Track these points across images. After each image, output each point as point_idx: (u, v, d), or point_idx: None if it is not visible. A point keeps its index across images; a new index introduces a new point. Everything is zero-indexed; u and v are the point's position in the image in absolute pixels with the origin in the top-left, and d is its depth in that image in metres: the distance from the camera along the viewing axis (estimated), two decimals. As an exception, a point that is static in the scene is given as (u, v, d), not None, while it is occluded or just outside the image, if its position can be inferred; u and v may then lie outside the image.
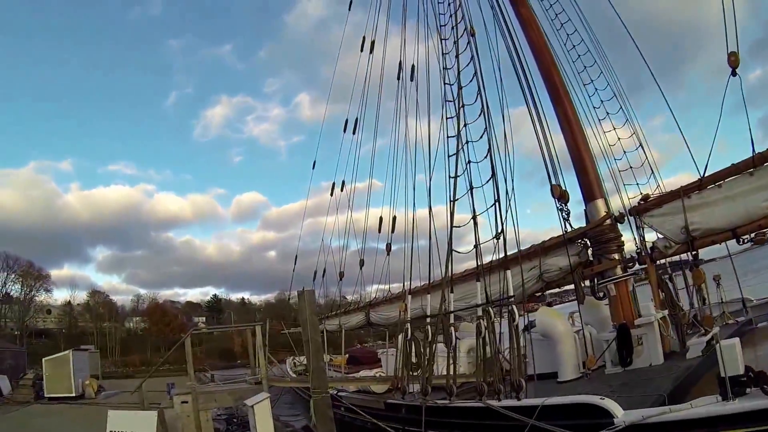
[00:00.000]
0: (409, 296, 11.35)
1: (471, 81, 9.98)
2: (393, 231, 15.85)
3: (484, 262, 9.10)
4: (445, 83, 10.68)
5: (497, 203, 8.88)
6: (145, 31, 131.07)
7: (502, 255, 8.84)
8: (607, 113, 13.54)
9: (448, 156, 9.86)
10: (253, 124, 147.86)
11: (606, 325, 10.59)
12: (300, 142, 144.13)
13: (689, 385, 7.47)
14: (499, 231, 8.81)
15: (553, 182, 11.13)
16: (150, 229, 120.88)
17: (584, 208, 11.04)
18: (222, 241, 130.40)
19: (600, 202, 10.78)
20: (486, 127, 9.49)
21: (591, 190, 10.96)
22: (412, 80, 14.49)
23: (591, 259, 10.51)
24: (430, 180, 11.46)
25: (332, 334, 19.28)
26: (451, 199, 9.52)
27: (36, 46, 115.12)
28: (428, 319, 9.72)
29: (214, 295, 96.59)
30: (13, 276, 66.83)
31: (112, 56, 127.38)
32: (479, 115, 9.63)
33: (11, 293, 67.42)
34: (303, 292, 10.90)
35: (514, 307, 8.01)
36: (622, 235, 10.46)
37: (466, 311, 10.75)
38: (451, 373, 8.63)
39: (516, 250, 9.92)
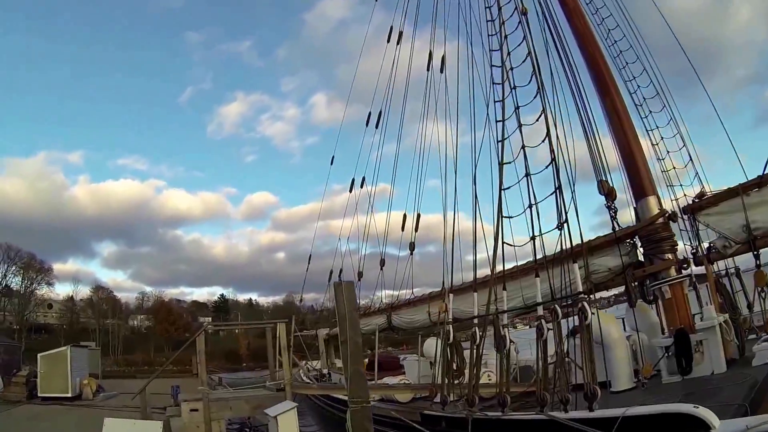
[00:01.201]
0: (451, 295, 10.38)
1: (524, 61, 9.27)
2: (417, 230, 14.96)
3: (513, 266, 8.80)
4: (492, 65, 9.99)
5: (558, 191, 8.15)
6: (164, 22, 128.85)
7: (539, 255, 8.25)
8: (650, 111, 12.83)
9: (498, 141, 9.25)
10: (267, 124, 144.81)
11: (655, 331, 9.83)
12: (314, 144, 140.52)
13: (764, 393, 6.68)
14: (563, 221, 8.02)
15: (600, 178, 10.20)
16: (158, 226, 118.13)
17: (634, 206, 10.32)
18: (231, 241, 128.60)
19: (652, 200, 10.04)
20: (543, 108, 8.74)
21: (642, 186, 10.21)
22: (441, 72, 13.72)
23: (641, 260, 9.77)
24: (475, 167, 10.19)
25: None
26: (501, 187, 8.80)
27: (50, 35, 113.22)
28: (475, 320, 9.00)
29: (222, 295, 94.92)
30: (13, 268, 65.60)
31: (129, 48, 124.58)
32: (535, 96, 8.90)
33: (11, 286, 66.06)
34: (341, 283, 9.28)
35: (586, 304, 7.21)
36: (674, 235, 9.79)
37: (521, 311, 10.11)
38: (499, 380, 8.03)
39: (553, 252, 8.77)
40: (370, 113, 18.50)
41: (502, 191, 8.82)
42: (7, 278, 66.05)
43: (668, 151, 12.59)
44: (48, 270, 69.58)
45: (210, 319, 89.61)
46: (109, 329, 69.57)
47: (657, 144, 12.79)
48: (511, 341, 8.37)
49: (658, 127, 12.80)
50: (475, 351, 8.75)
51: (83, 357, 25.77)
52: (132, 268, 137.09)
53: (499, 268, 8.77)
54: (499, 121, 9.32)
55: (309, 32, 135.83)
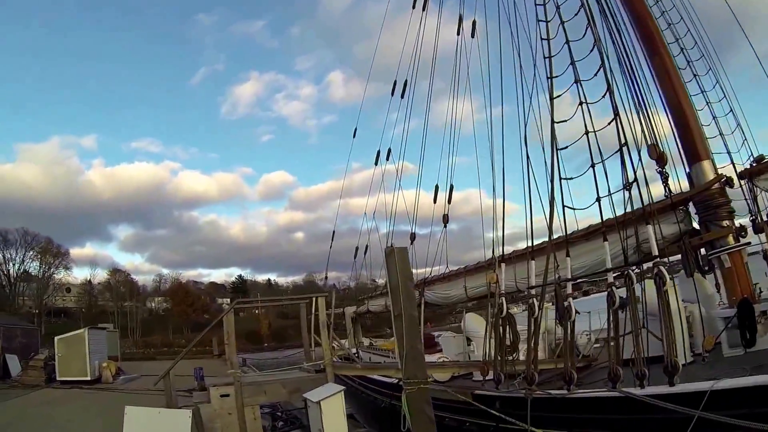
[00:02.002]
0: (503, 265, 9.61)
1: (576, 14, 8.88)
2: (450, 201, 14.08)
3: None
4: (538, 20, 9.47)
5: (625, 148, 7.71)
6: (175, 4, 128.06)
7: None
8: (694, 75, 12.02)
9: (549, 77, 8.85)
10: (283, 103, 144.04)
11: (712, 303, 9.51)
12: (331, 123, 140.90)
13: None
14: (631, 180, 7.69)
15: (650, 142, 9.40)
16: (174, 208, 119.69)
17: (687, 171, 9.74)
18: (248, 222, 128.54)
19: (707, 164, 9.52)
20: (602, 61, 8.31)
21: (695, 149, 9.67)
22: (473, 37, 13.33)
23: (696, 227, 9.25)
24: (526, 126, 9.59)
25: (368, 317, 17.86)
26: (555, 147, 8.43)
27: (60, 22, 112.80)
28: (533, 290, 8.54)
29: (240, 276, 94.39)
30: (31, 253, 65.44)
31: (140, 30, 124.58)
32: (592, 49, 8.47)
33: (30, 270, 65.97)
34: (393, 250, 8.38)
35: (662, 268, 6.88)
36: (731, 201, 9.22)
37: (592, 277, 9.77)
38: (565, 354, 7.59)
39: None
40: (395, 82, 17.53)
41: (557, 151, 8.42)
42: (25, 263, 66.04)
43: (714, 117, 11.80)
44: (65, 254, 69.49)
45: (228, 300, 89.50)
46: (127, 312, 69.29)
47: (702, 109, 11.79)
48: (576, 312, 7.80)
49: (704, 91, 12.04)
50: (533, 323, 8.21)
51: (101, 339, 24.88)
52: (149, 251, 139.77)
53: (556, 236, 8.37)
54: (550, 78, 8.87)
55: (324, 10, 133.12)
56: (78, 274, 74.67)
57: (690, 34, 12.28)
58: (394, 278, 8.10)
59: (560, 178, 8.38)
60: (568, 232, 8.57)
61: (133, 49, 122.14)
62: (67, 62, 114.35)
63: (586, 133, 8.22)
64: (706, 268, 9.20)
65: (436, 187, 14.76)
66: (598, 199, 7.96)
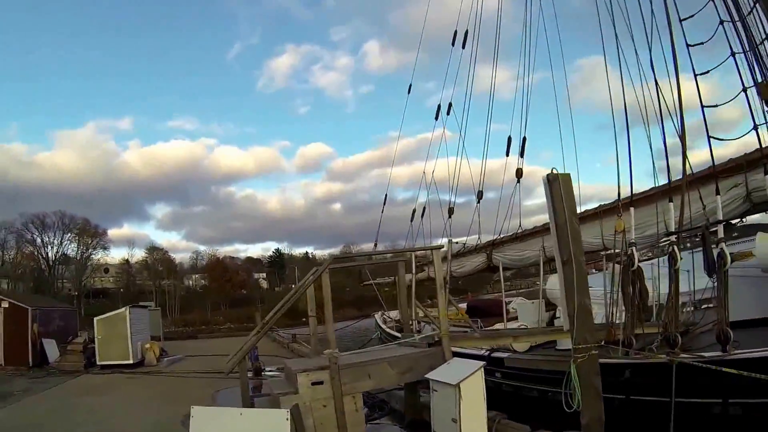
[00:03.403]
0: (632, 209, 8.17)
1: None
2: (523, 155, 13.09)
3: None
4: None
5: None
6: None
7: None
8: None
9: None
10: (319, 74, 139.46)
11: None
12: (369, 93, 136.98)
13: None
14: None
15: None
16: (211, 184, 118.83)
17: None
18: (285, 195, 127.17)
19: None
20: None
21: None
22: None
23: None
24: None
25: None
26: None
27: (94, 5, 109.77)
28: (672, 237, 7.36)
29: (277, 250, 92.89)
30: (69, 235, 64.96)
31: (172, 7, 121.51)
32: None
33: (68, 253, 65.60)
34: (556, 175, 6.87)
35: None
36: None
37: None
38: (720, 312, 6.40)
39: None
40: (455, 32, 16.23)
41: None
42: (63, 245, 65.56)
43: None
44: (103, 234, 68.99)
45: (264, 275, 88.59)
46: (165, 290, 68.50)
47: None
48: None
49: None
50: (674, 277, 7.04)
51: (143, 318, 22.89)
52: (186, 228, 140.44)
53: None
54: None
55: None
56: (116, 255, 74.53)
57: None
58: (561, 215, 6.63)
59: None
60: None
61: (167, 29, 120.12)
62: (101, 45, 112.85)
63: (721, 23, 7.32)
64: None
65: (509, 139, 13.76)
66: (756, 127, 6.90)
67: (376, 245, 24.52)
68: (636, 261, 7.53)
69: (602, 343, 7.48)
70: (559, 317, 10.49)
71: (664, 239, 7.84)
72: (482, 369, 6.56)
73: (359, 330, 23.21)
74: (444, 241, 14.46)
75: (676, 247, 7.16)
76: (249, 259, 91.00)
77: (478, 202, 15.01)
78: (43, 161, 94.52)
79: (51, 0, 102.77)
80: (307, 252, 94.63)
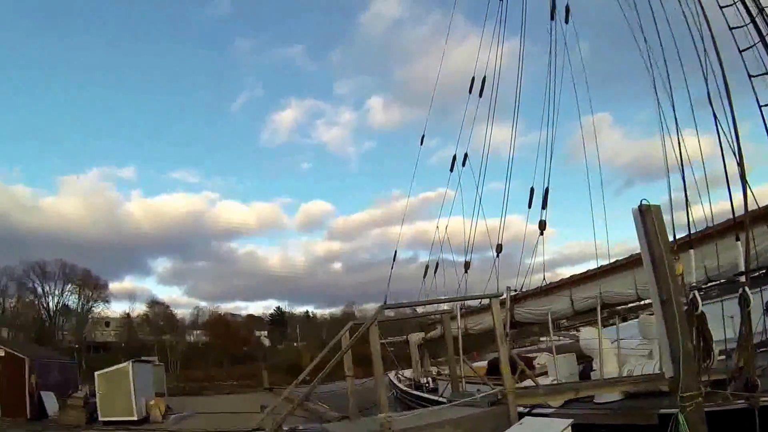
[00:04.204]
0: (691, 251, 7.74)
1: None
2: (545, 206, 13.26)
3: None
4: None
5: None
6: (213, 30, 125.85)
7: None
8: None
9: None
10: (322, 129, 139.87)
11: None
12: (371, 149, 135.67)
13: None
14: None
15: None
16: (212, 239, 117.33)
17: None
18: (286, 252, 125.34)
19: None
20: None
21: None
22: (567, 22, 13.66)
23: None
24: None
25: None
26: None
27: (96, 49, 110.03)
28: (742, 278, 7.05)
29: (278, 308, 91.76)
30: (70, 286, 63.98)
31: (178, 58, 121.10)
32: None
33: (69, 304, 64.66)
34: (648, 206, 6.60)
35: None
36: None
37: None
38: None
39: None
40: (473, 78, 16.67)
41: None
42: (64, 296, 64.61)
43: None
44: (104, 286, 67.88)
45: (266, 332, 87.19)
46: (166, 345, 67.11)
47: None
48: None
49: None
50: (747, 318, 6.75)
51: (147, 374, 22.05)
52: (187, 284, 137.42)
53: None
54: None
55: (363, 34, 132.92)
56: (116, 308, 73.06)
57: None
58: (657, 246, 6.35)
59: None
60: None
61: (172, 78, 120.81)
62: (107, 94, 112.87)
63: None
64: None
65: (531, 190, 13.69)
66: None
67: (386, 302, 23.95)
68: (700, 305, 7.11)
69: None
70: (595, 370, 10.28)
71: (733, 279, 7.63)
72: (570, 428, 5.93)
73: (368, 389, 22.34)
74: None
75: (746, 288, 6.94)
76: (250, 317, 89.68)
77: (497, 255, 14.84)
78: (47, 206, 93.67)
79: (59, 45, 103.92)
80: (307, 311, 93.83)
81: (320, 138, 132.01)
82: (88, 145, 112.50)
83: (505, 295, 10.94)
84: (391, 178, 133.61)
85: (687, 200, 8.11)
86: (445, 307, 11.50)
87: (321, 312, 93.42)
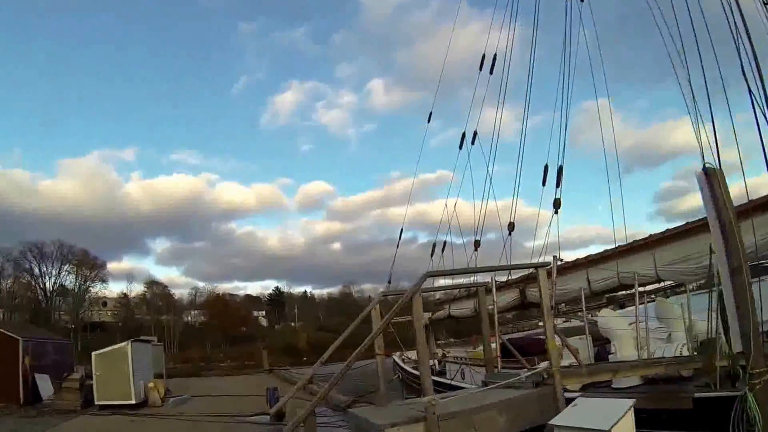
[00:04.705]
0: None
1: None
2: (559, 185, 12.92)
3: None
4: None
5: None
6: (215, 13, 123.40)
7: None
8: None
9: None
10: (323, 111, 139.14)
11: None
12: (371, 131, 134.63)
13: None
14: None
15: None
16: (211, 220, 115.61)
17: None
18: (285, 233, 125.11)
19: None
20: None
21: None
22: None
23: None
24: None
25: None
26: None
27: (98, 34, 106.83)
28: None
29: (276, 288, 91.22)
30: (67, 266, 63.31)
31: (181, 41, 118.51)
32: None
33: (66, 284, 64.01)
34: (713, 169, 6.21)
35: None
36: None
37: None
38: None
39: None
40: (483, 56, 16.37)
41: None
42: (61, 276, 63.83)
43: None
44: (102, 266, 66.96)
45: (264, 312, 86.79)
46: (164, 325, 66.50)
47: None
48: None
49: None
50: None
51: (146, 354, 21.07)
52: (185, 264, 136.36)
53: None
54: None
55: (366, 17, 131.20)
56: (114, 288, 72.33)
57: None
58: (725, 211, 5.91)
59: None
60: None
61: (174, 61, 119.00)
62: (109, 76, 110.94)
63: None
64: None
65: (546, 167, 13.31)
66: None
67: (389, 283, 23.11)
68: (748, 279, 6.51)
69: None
70: (613, 353, 10.03)
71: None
72: (632, 409, 5.17)
73: (369, 371, 21.71)
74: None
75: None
76: (248, 297, 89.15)
77: (510, 233, 14.54)
78: (46, 188, 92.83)
79: (61, 34, 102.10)
80: (306, 291, 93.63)
81: (320, 120, 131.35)
82: (89, 128, 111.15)
83: (552, 265, 10.24)
84: (392, 159, 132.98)
85: (742, 166, 7.31)
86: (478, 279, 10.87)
87: (319, 292, 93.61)
